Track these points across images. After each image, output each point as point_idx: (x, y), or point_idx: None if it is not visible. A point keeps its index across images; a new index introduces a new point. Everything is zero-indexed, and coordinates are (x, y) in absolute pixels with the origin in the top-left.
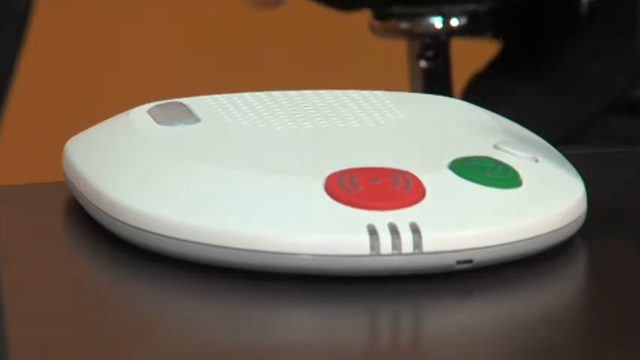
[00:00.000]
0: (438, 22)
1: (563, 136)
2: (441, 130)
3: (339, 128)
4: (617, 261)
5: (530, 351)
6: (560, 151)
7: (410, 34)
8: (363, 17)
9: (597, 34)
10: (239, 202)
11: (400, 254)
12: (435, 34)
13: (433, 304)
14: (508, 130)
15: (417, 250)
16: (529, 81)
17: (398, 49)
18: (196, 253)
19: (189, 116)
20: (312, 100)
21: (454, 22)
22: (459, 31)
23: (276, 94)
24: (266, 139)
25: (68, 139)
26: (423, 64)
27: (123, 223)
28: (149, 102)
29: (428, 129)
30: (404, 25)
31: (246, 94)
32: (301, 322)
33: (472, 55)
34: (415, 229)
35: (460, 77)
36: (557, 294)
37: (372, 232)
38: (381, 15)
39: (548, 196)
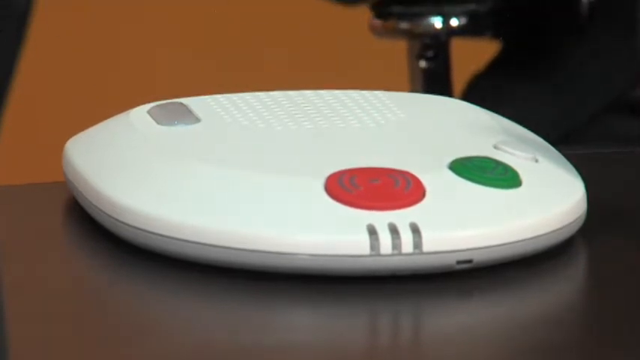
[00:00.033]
0: (438, 22)
1: (563, 136)
2: (441, 130)
3: (339, 128)
4: (617, 261)
5: (530, 351)
6: (560, 151)
7: (410, 34)
8: (363, 17)
9: (597, 34)
10: (239, 202)
11: (400, 254)
12: (435, 34)
13: (433, 304)
14: (508, 130)
15: (417, 250)
16: (529, 81)
17: (398, 49)
18: (196, 253)
19: (189, 116)
20: (312, 100)
21: (454, 22)
22: (459, 31)
23: (276, 94)
24: (266, 139)
25: (68, 139)
26: (423, 64)
27: (123, 223)
28: (149, 102)
29: (428, 129)
30: (404, 25)
31: (246, 94)
32: (301, 322)
33: (472, 55)
34: (415, 229)
35: (460, 77)
36: (557, 294)
37: (372, 232)
38: (380, 14)
39: (548, 196)
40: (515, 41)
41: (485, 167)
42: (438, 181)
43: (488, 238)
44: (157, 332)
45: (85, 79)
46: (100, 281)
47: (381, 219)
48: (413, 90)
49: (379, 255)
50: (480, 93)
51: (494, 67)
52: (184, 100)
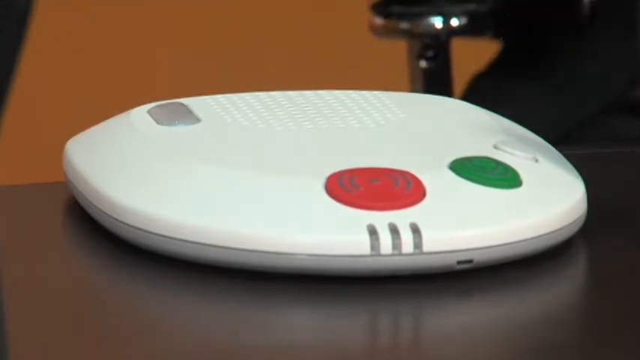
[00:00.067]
0: (438, 22)
1: (563, 136)
2: (441, 130)
3: (339, 128)
4: (617, 261)
5: (530, 351)
6: (560, 151)
7: (410, 34)
8: (363, 17)
9: (597, 34)
10: (239, 202)
11: (400, 254)
12: (435, 34)
13: (433, 304)
14: (508, 130)
15: (417, 250)
16: (529, 81)
17: (398, 49)
18: (196, 253)
19: (189, 116)
20: (312, 100)
21: (454, 22)
22: (459, 31)
23: (276, 94)
24: (266, 139)
25: (68, 139)
26: (423, 64)
27: (123, 223)
28: (149, 102)
29: (428, 129)
30: (404, 25)
31: (246, 94)
32: (301, 322)
33: (472, 55)
34: (415, 230)
35: (460, 77)
36: (557, 294)
37: (372, 232)
38: (380, 14)
39: (548, 196)
40: (516, 41)
41: (486, 167)
42: (438, 181)
43: (488, 238)
44: (157, 332)
45: (85, 79)
46: (100, 281)
47: (381, 219)
48: (413, 90)
49: (379, 255)
50: (480, 93)
51: (495, 67)
52: (184, 100)
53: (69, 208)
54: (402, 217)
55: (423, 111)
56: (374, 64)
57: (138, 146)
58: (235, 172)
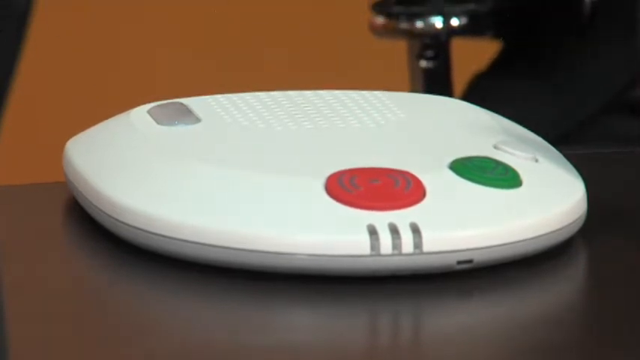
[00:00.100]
0: (438, 22)
1: (563, 136)
2: (441, 130)
3: (339, 128)
4: (617, 261)
5: (530, 351)
6: (560, 151)
7: (410, 34)
8: (363, 17)
9: (597, 34)
10: (239, 202)
11: (400, 254)
12: (435, 34)
13: (433, 304)
14: (508, 130)
15: (417, 250)
16: (529, 81)
17: (398, 49)
18: (196, 253)
19: (189, 116)
20: (312, 100)
21: (454, 22)
22: (460, 31)
23: (276, 94)
24: (266, 139)
25: (68, 139)
26: (423, 64)
27: (123, 223)
28: (149, 102)
29: (428, 129)
30: (404, 25)
31: (246, 94)
32: (301, 322)
33: (472, 55)
34: (415, 229)
35: (460, 77)
36: (557, 294)
37: (372, 232)
38: (381, 13)
39: (548, 196)
40: (516, 41)
41: (486, 167)
42: (438, 181)
43: (488, 238)
44: (157, 332)
45: (85, 79)
46: (100, 281)
47: (381, 219)
48: (413, 90)
49: (379, 255)
50: (480, 93)
51: (495, 67)
52: (184, 100)
53: (69, 208)
54: (402, 217)
55: (423, 111)
56: (374, 64)
57: (138, 146)
58: (235, 172)
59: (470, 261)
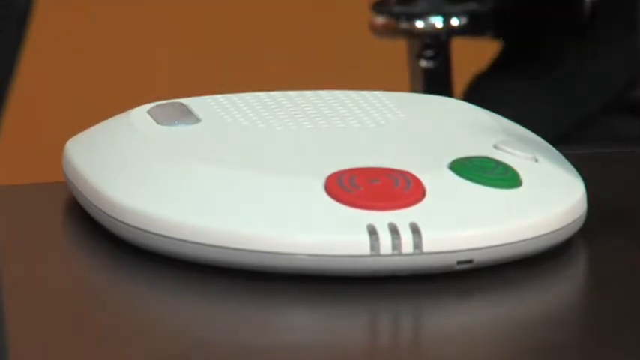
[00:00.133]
0: (438, 22)
1: (563, 136)
2: (441, 130)
3: (339, 128)
4: (617, 261)
5: (530, 351)
6: (560, 151)
7: (410, 34)
8: (363, 17)
9: (597, 34)
10: (239, 202)
11: (400, 254)
12: (436, 33)
13: (433, 304)
14: (508, 130)
15: (417, 251)
16: (529, 81)
17: (398, 49)
18: (196, 253)
19: (189, 116)
20: (312, 100)
21: (454, 21)
22: (460, 31)
23: (276, 94)
24: (266, 139)
25: (68, 139)
26: (423, 64)
27: (123, 223)
28: (149, 102)
29: (428, 129)
30: (404, 24)
31: (246, 94)
32: (301, 322)
33: (472, 55)
34: (415, 230)
35: (460, 77)
36: (557, 294)
37: (372, 232)
38: (381, 13)
39: (548, 196)
40: (516, 41)
41: (486, 167)
42: (438, 181)
43: (488, 238)
44: (157, 332)
45: (85, 79)
46: (100, 281)
47: (381, 219)
48: (413, 90)
49: (379, 255)
50: (480, 93)
51: (495, 67)
52: (184, 100)
53: (69, 208)
54: (402, 217)
55: (423, 111)
56: (374, 64)
57: (138, 146)
58: (235, 172)
59: (470, 261)
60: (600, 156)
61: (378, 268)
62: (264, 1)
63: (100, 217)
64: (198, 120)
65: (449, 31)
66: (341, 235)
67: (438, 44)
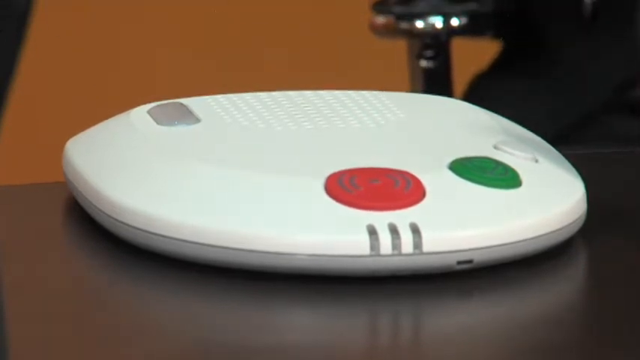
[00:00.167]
0: (438, 22)
1: (563, 136)
2: (441, 131)
3: (339, 128)
4: (617, 261)
5: (530, 351)
6: (560, 151)
7: (410, 34)
8: (363, 17)
9: (598, 34)
10: (239, 202)
11: (400, 254)
12: (436, 34)
13: (433, 304)
14: (508, 131)
15: (417, 251)
16: (529, 81)
17: (398, 49)
18: (196, 254)
19: (189, 116)
20: (312, 100)
21: (455, 21)
22: (460, 31)
23: (276, 95)
24: (266, 139)
25: (68, 139)
26: (423, 64)
27: (122, 223)
28: (149, 102)
29: (428, 129)
30: (404, 25)
31: (246, 95)
32: (301, 322)
33: (472, 55)
34: (415, 230)
35: (460, 77)
36: (557, 294)
37: (372, 232)
38: (380, 12)
39: (548, 197)
40: (516, 41)
41: (486, 167)
42: (438, 181)
43: (488, 238)
44: (157, 332)
45: (85, 79)
46: (100, 281)
47: (381, 219)
48: (413, 90)
49: (379, 255)
50: (480, 93)
51: (495, 67)
52: (184, 101)
53: (69, 208)
54: (402, 217)
55: (423, 111)
56: (374, 64)
57: (138, 146)
58: (235, 172)
59: (470, 261)
60: (600, 156)
61: (378, 268)
62: (264, 1)
63: (100, 217)
64: (198, 120)
65: (449, 31)
66: (341, 235)
67: (438, 44)
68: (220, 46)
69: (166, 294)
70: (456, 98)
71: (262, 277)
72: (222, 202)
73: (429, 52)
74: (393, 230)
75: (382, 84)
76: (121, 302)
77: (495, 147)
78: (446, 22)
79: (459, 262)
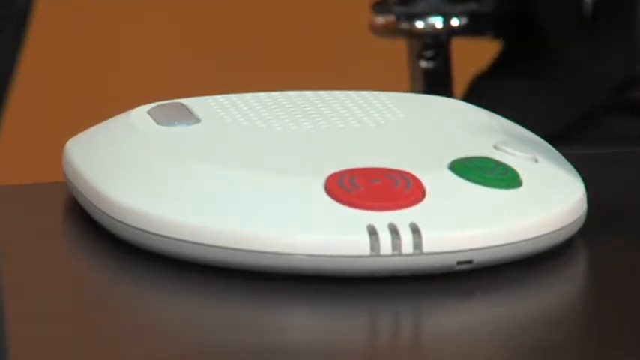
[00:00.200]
0: (438, 22)
1: (563, 136)
2: (440, 131)
3: (339, 128)
4: (617, 261)
5: (530, 351)
6: (560, 151)
7: (410, 34)
8: (363, 17)
9: (598, 34)
10: (239, 203)
11: (400, 255)
12: (436, 34)
13: (433, 304)
14: (508, 131)
15: (417, 251)
16: (529, 81)
17: (398, 49)
18: (196, 254)
19: (189, 117)
20: (312, 100)
21: (454, 22)
22: (460, 31)
23: (276, 94)
24: (266, 139)
25: (68, 139)
26: (423, 64)
27: (122, 223)
28: (149, 102)
29: (428, 129)
30: (404, 25)
31: (246, 95)
32: (301, 322)
33: (472, 55)
34: (415, 230)
35: (460, 77)
36: (557, 294)
37: (372, 232)
38: (380, 12)
39: (548, 197)
40: (516, 41)
41: (486, 167)
42: (438, 181)
43: (488, 238)
44: (157, 332)
45: (85, 79)
46: (100, 281)
47: (381, 219)
48: (413, 90)
49: (379, 255)
50: (479, 93)
51: (495, 67)
52: (184, 101)
53: (69, 208)
54: (402, 218)
55: (423, 111)
56: (374, 64)
57: (138, 146)
58: (235, 172)
59: (470, 261)
60: (600, 156)
61: (378, 268)
62: (264, 1)
63: (100, 217)
64: (198, 120)
65: (449, 31)
66: (341, 236)
67: (438, 44)
68: (220, 46)
69: (166, 294)
70: (456, 98)
71: (262, 277)
72: (222, 202)
73: (429, 53)
74: (393, 230)
75: (382, 84)
76: (121, 302)
77: (495, 147)
78: (446, 22)
79: (458, 263)
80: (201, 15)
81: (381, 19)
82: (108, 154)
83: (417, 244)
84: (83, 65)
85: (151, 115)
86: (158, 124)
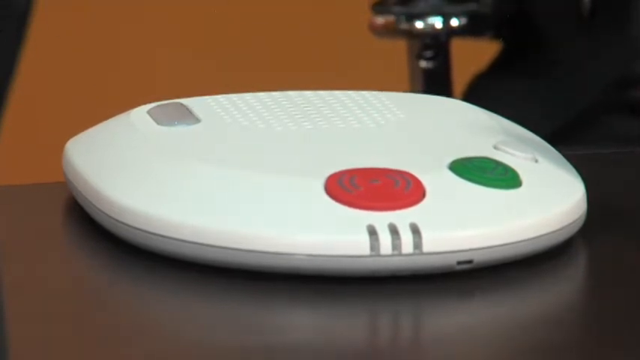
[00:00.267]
0: (438, 22)
1: (563, 136)
2: (440, 131)
3: (338, 128)
4: (617, 261)
5: (530, 351)
6: (560, 151)
7: (410, 35)
8: (363, 17)
9: (597, 33)
10: (239, 203)
11: (400, 255)
12: (435, 34)
13: (433, 304)
14: (508, 131)
15: (417, 251)
16: (529, 81)
17: (398, 49)
18: (196, 254)
19: (189, 117)
20: (312, 100)
21: (454, 22)
22: (459, 31)
23: (276, 94)
24: (266, 139)
25: (68, 139)
26: (423, 64)
27: (122, 223)
28: (149, 102)
29: (428, 129)
30: (404, 25)
31: (246, 95)
32: (301, 322)
33: (472, 56)
34: (415, 230)
35: (460, 77)
36: (557, 294)
37: (372, 232)
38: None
39: (548, 197)
40: (516, 41)
41: (486, 167)
42: (438, 181)
43: (488, 238)
44: (157, 332)
45: (85, 79)
46: (100, 281)
47: (381, 219)
48: (413, 90)
49: (379, 255)
50: (480, 93)
51: (495, 67)
52: (184, 101)
53: (69, 208)
54: (402, 218)
55: (423, 111)
56: (374, 64)
57: (138, 146)
58: (235, 172)
59: (470, 261)
60: (600, 156)
61: (378, 268)
62: (264, 1)
63: (100, 217)
64: (198, 120)
65: (448, 31)
66: (341, 236)
67: (437, 44)
68: (220, 46)
69: (166, 294)
70: (456, 98)
71: (262, 277)
72: (222, 202)
73: (428, 53)
74: (393, 230)
75: (382, 84)
76: (121, 302)
77: (495, 147)
78: (445, 22)
79: (459, 263)
80: (201, 15)
81: (380, 19)
82: (108, 154)
83: (417, 244)
84: (83, 65)
85: (150, 115)
86: (158, 124)
